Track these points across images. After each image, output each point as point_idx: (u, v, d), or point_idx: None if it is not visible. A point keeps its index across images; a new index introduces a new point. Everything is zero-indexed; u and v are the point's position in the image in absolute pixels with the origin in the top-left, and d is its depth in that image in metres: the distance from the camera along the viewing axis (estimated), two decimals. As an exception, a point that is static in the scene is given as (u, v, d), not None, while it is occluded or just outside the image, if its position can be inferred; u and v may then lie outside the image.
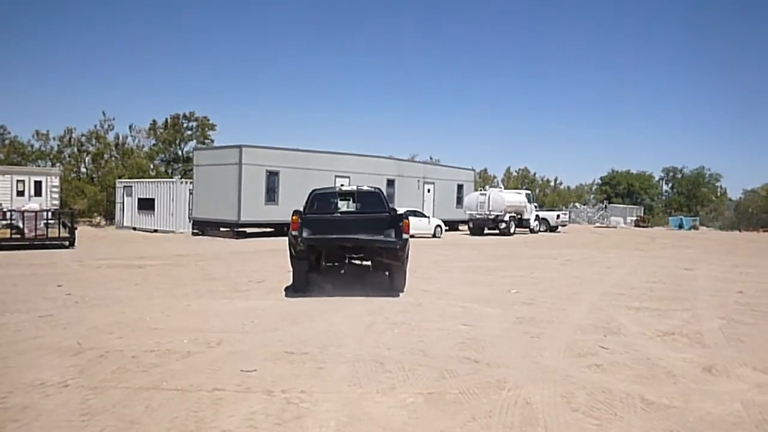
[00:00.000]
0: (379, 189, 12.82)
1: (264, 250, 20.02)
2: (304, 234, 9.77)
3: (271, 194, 27.40)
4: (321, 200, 11.81)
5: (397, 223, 10.22)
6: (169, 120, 47.83)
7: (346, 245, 10.52)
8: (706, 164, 79.49)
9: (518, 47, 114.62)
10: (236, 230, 27.05)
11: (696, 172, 78.89)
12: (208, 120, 49.06)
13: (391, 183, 32.80)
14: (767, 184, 73.61)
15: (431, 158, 61.77)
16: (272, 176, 27.47)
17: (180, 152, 48.42)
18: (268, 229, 28.93)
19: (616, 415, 4.32)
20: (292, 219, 9.91)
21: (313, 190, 12.05)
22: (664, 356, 6.06)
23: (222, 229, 27.55)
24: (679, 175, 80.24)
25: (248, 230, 27.99)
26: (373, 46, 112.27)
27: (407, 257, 10.44)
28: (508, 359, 5.87)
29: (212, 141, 48.09)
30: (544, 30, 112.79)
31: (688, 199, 75.94)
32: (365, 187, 12.60)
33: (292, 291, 10.19)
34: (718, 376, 5.40)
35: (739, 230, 57.86)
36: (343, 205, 12.17)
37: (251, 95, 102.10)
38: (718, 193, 78.64)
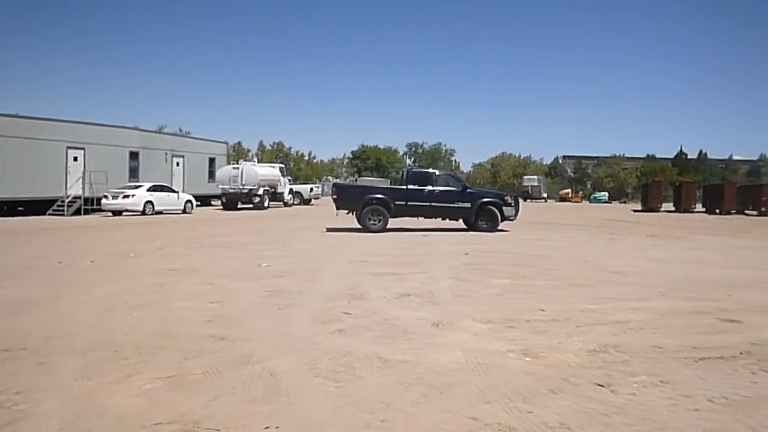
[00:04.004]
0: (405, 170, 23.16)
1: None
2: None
3: (-13, 167, 23.56)
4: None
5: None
6: None
7: None
8: (443, 140, 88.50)
9: (269, 22, 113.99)
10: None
11: (434, 147, 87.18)
12: None
13: (134, 156, 30.45)
14: (492, 159, 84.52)
15: (181, 130, 58.99)
16: (-13, 147, 23.61)
17: None
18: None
19: (356, 375, 4.55)
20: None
21: (406, 170, 21.28)
22: (400, 316, 6.56)
23: None
24: (420, 150, 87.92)
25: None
26: (112, 9, 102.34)
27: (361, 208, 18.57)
28: (256, 333, 5.83)
29: None
30: (290, 6, 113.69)
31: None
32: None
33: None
34: (445, 330, 6.00)
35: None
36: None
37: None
38: (453, 166, 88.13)
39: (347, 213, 19.37)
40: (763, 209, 36.83)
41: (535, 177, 70.23)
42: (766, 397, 4.16)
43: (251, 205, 32.83)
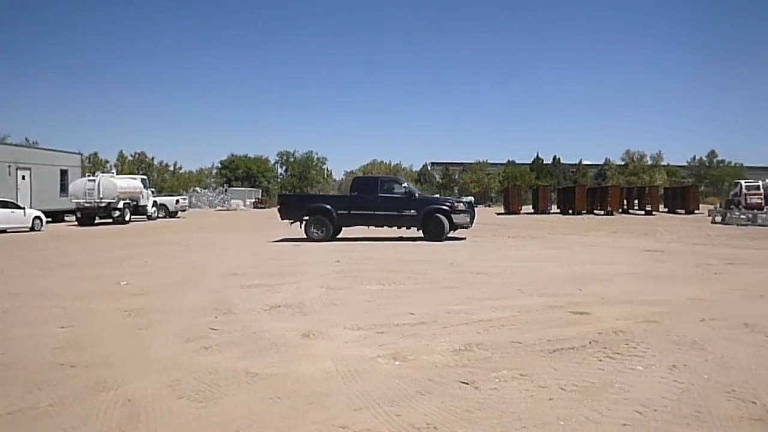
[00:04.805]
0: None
1: None
2: None
3: None
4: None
5: None
6: None
7: None
8: (314, 148, 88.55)
9: (130, 26, 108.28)
10: None
11: (306, 155, 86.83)
12: None
13: (-30, 169, 27.51)
14: (363, 166, 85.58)
15: (27, 140, 54.47)
16: None
17: None
18: None
19: (221, 393, 4.36)
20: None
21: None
22: (269, 328, 6.41)
23: None
24: (292, 159, 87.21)
25: None
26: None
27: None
28: (113, 357, 5.43)
29: None
30: (154, 8, 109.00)
31: (300, 181, 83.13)
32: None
33: None
34: (315, 339, 5.94)
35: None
36: None
37: None
38: (325, 175, 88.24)
39: (291, 223, 19.13)
40: (609, 209, 40.35)
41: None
42: (611, 382, 4.51)
43: (110, 220, 30.80)
